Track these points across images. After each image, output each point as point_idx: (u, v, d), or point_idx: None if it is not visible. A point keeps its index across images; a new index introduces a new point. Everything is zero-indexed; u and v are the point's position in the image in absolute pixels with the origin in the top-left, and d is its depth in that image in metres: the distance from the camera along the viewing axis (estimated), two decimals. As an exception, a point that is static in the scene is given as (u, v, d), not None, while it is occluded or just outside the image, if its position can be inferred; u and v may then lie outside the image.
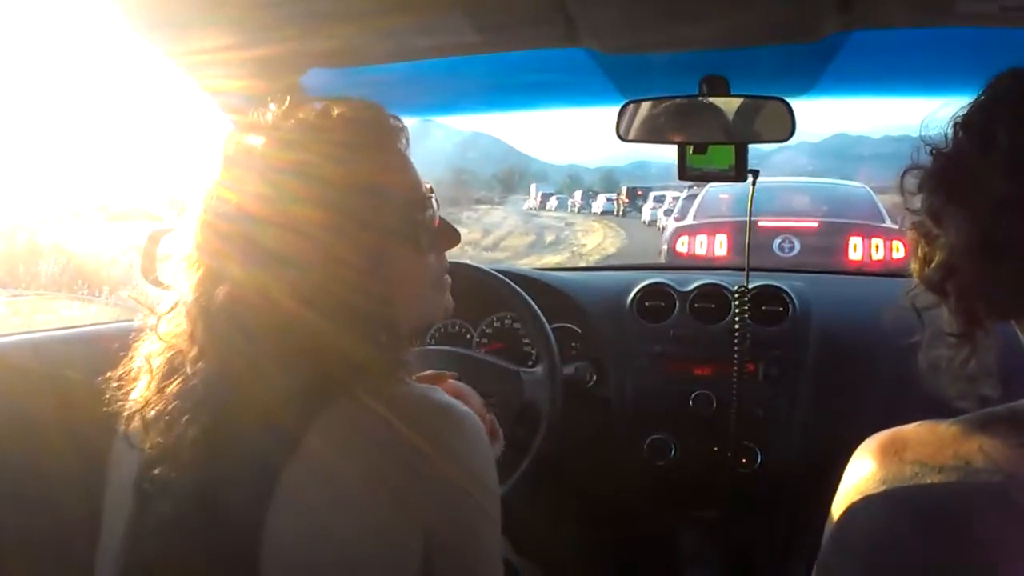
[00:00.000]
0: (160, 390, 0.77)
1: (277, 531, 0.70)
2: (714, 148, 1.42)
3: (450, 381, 1.10)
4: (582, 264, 14.55)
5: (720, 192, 7.46)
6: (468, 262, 1.69)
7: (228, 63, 1.29)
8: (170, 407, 0.75)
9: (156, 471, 0.74)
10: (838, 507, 0.62)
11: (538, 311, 1.52)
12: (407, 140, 0.85)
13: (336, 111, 0.80)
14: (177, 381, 0.76)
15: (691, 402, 1.65)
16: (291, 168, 0.76)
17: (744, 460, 1.62)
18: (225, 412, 0.73)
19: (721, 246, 6.28)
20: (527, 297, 1.53)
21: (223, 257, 0.75)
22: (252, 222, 0.75)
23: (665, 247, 7.04)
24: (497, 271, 1.60)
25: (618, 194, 36.41)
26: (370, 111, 0.82)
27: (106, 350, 0.86)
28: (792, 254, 6.12)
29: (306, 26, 1.19)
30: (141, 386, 0.79)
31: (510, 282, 1.55)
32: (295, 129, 0.78)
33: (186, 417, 0.74)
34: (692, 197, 8.77)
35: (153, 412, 0.76)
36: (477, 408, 1.02)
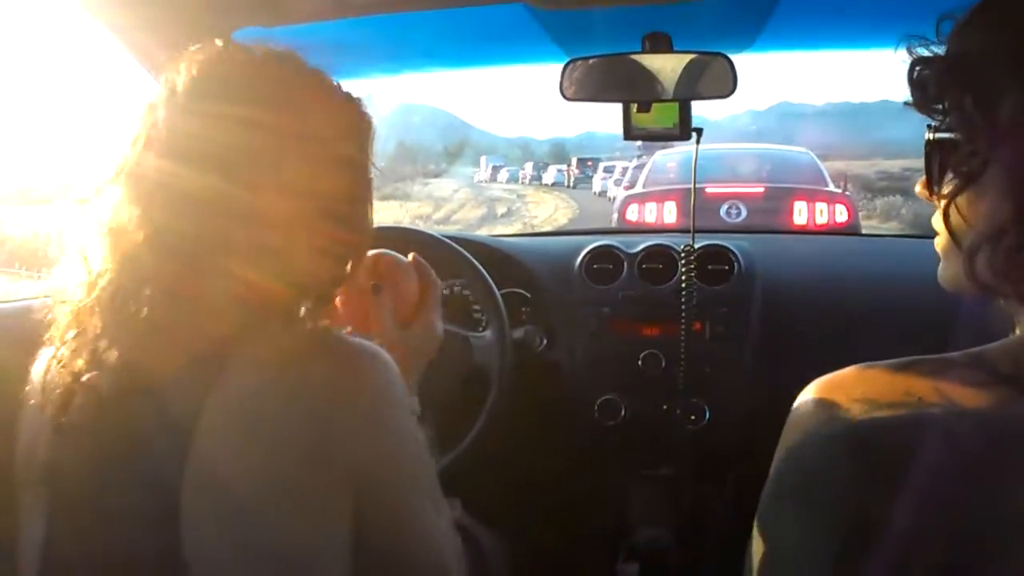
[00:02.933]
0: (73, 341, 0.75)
1: (197, 478, 0.70)
2: (658, 106, 1.41)
3: (384, 256, 1.09)
4: (533, 235, 14.55)
5: (668, 160, 7.52)
6: (416, 228, 1.67)
7: (156, 20, 1.24)
8: (81, 355, 0.74)
9: (70, 420, 0.73)
10: (780, 448, 0.62)
11: (486, 275, 1.51)
12: None
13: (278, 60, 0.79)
14: (90, 328, 0.75)
15: (640, 362, 1.66)
16: (237, 115, 0.73)
17: (693, 417, 1.64)
18: (133, 360, 0.72)
19: (670, 213, 6.33)
20: (475, 262, 1.52)
21: (144, 204, 0.73)
22: (181, 165, 0.72)
23: (615, 215, 7.08)
24: (446, 237, 1.59)
25: (568, 165, 36.44)
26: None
27: (38, 324, 0.83)
28: (739, 219, 6.22)
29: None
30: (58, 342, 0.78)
31: (458, 247, 1.53)
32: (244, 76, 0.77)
33: (100, 353, 0.73)
34: (641, 166, 8.82)
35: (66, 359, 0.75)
36: (413, 286, 1.06)
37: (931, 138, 0.63)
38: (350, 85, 0.85)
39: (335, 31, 1.34)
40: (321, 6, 1.21)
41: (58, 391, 0.74)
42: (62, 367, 0.75)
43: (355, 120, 0.81)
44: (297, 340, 0.73)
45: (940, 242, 0.65)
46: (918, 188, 0.68)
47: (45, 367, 0.77)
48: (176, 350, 0.72)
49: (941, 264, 0.66)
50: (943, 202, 0.61)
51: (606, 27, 1.40)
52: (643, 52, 1.34)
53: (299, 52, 0.83)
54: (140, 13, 1.18)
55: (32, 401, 0.78)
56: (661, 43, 1.33)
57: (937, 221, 0.63)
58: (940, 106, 0.62)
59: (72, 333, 0.75)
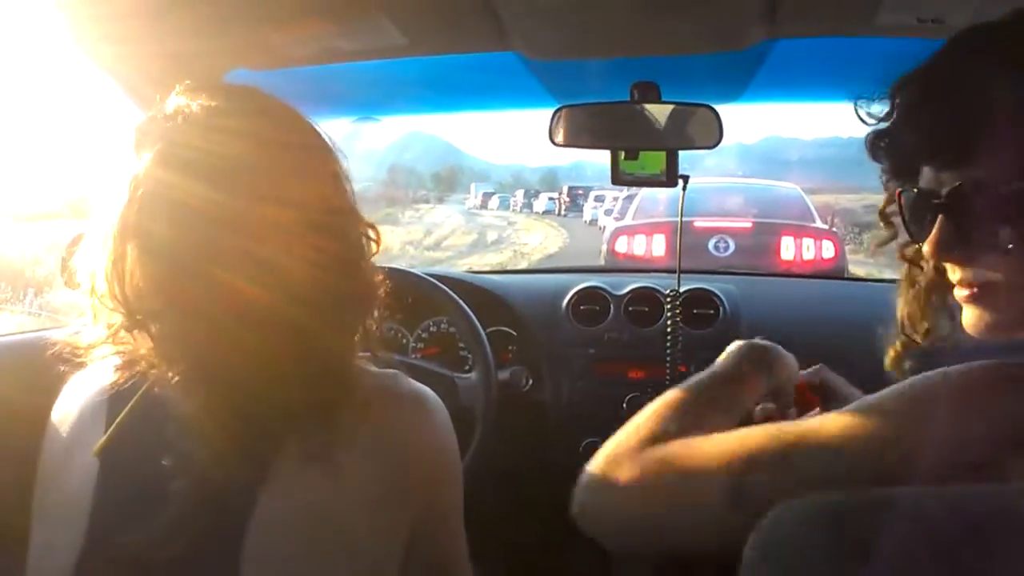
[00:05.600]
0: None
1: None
2: (646, 153, 1.43)
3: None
4: (524, 263, 14.60)
5: (658, 192, 7.58)
6: (403, 267, 1.67)
7: (150, 63, 1.25)
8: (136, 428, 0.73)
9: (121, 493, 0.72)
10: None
11: (472, 317, 1.51)
12: None
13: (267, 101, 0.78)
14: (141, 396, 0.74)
15: (625, 405, 1.66)
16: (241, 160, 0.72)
17: (677, 461, 1.64)
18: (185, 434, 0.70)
19: (659, 246, 6.38)
20: (462, 304, 1.52)
21: (146, 216, 0.70)
22: (174, 175, 0.71)
23: (605, 247, 7.12)
24: (431, 276, 1.59)
25: (559, 193, 36.64)
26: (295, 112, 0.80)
27: (27, 362, 0.82)
28: (727, 254, 6.27)
29: (229, 26, 1.16)
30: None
31: (445, 288, 1.54)
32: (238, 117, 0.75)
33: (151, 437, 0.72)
34: (631, 197, 8.89)
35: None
36: None
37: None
38: (342, 123, 0.86)
39: (327, 74, 1.35)
40: (312, 51, 1.23)
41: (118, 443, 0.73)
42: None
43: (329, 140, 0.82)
44: (355, 392, 0.74)
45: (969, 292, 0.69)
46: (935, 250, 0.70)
47: (72, 419, 0.76)
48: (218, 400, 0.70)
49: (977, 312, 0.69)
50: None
51: (596, 76, 1.42)
52: (632, 101, 1.36)
53: (290, 93, 0.83)
54: (134, 56, 1.19)
55: (57, 446, 0.78)
56: (649, 92, 1.35)
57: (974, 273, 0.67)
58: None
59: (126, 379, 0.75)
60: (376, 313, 0.82)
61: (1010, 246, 0.62)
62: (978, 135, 0.62)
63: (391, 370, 0.82)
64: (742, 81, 1.44)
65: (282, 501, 0.70)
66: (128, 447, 0.72)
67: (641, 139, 1.40)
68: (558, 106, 1.40)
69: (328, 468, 0.71)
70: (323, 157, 0.78)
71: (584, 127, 1.41)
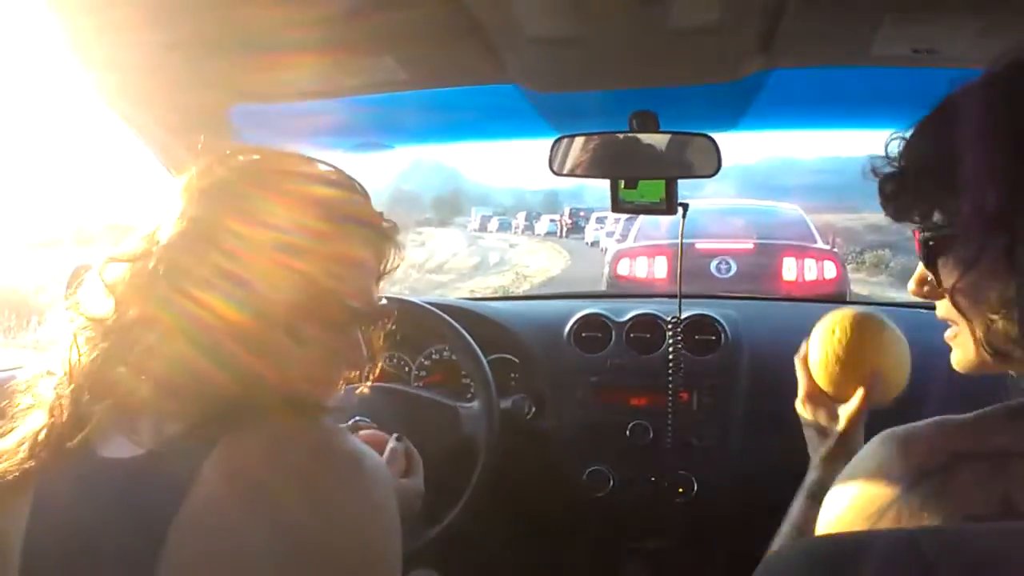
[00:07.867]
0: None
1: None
2: (645, 182, 1.44)
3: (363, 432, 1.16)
4: (526, 286, 14.61)
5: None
6: (404, 297, 1.68)
7: (155, 97, 1.26)
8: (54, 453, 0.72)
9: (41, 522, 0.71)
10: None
11: (474, 346, 1.51)
12: None
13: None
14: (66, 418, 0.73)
15: (628, 432, 1.66)
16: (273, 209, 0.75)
17: (681, 489, 1.63)
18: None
19: (661, 268, 6.40)
20: (463, 333, 1.52)
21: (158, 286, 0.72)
22: (216, 253, 0.73)
23: (607, 270, 7.13)
24: (433, 304, 1.59)
25: (561, 215, 36.74)
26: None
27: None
28: (729, 275, 6.29)
29: (232, 62, 1.17)
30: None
31: (446, 317, 1.54)
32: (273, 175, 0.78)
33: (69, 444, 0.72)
34: (633, 219, 8.91)
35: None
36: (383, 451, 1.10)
37: (927, 239, 0.67)
38: (345, 155, 0.86)
39: (330, 108, 1.37)
40: (314, 86, 1.24)
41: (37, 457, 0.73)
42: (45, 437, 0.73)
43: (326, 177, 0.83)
44: (301, 432, 0.73)
45: (950, 332, 0.71)
46: (912, 287, 0.73)
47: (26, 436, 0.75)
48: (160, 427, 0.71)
49: (954, 351, 0.71)
50: (949, 292, 0.66)
51: (595, 106, 1.44)
52: (630, 131, 1.38)
53: (294, 124, 0.84)
54: (139, 91, 1.21)
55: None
56: (648, 122, 1.37)
57: (945, 311, 0.69)
58: (917, 211, 0.67)
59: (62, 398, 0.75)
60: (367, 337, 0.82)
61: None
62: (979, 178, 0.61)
63: (339, 425, 0.82)
64: (739, 110, 1.45)
65: (202, 516, 0.68)
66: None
67: (640, 168, 1.41)
68: (557, 136, 1.42)
69: (247, 496, 0.69)
70: (295, 179, 0.79)
71: (583, 156, 1.43)
